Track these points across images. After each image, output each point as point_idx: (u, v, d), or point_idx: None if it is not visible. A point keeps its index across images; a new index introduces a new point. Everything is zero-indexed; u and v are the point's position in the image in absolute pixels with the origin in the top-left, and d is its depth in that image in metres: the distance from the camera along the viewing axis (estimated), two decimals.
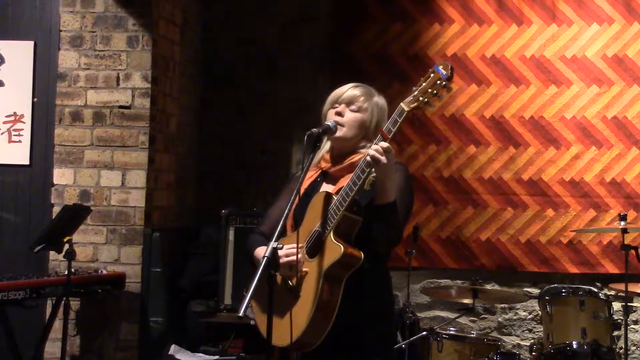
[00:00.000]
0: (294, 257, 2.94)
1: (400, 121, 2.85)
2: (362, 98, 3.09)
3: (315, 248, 2.95)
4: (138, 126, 5.23)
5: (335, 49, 6.01)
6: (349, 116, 3.08)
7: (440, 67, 2.85)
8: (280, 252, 2.85)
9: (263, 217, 3.29)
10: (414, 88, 2.88)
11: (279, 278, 2.97)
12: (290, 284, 2.97)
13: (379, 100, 3.15)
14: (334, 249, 2.88)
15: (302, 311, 2.89)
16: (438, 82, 2.84)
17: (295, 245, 2.95)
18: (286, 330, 2.89)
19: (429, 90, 2.84)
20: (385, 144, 2.84)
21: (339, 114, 3.08)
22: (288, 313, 2.92)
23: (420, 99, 2.85)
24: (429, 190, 5.82)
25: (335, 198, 2.93)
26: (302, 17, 6.08)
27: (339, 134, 3.06)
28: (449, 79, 2.83)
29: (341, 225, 2.92)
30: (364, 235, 2.95)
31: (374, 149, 2.84)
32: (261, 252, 3.06)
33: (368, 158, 2.85)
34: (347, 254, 2.88)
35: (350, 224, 2.94)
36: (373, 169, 2.87)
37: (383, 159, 2.82)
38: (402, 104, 2.87)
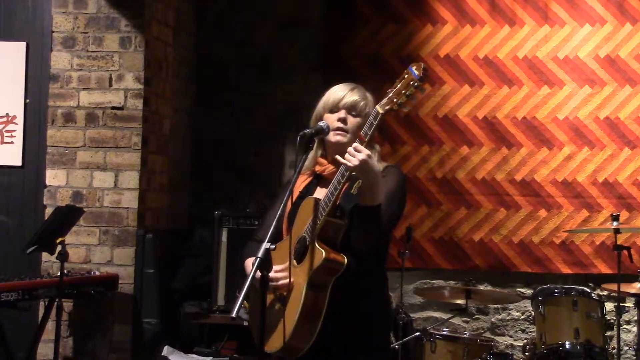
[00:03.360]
0: (285, 281, 2.94)
1: (375, 124, 2.84)
2: (362, 102, 3.08)
3: (302, 254, 2.96)
4: (131, 127, 5.22)
5: (329, 51, 6.01)
6: (352, 122, 3.06)
7: (414, 68, 2.82)
8: (271, 275, 2.86)
9: (260, 224, 3.28)
10: (389, 90, 2.87)
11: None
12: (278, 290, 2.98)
13: (371, 98, 3.14)
14: (317, 254, 2.88)
15: (289, 317, 2.89)
16: (411, 83, 2.81)
17: (284, 266, 2.95)
18: (274, 335, 2.90)
19: (403, 92, 2.82)
20: (356, 145, 2.84)
21: (343, 121, 3.05)
22: (276, 319, 2.92)
23: (395, 100, 2.83)
24: (422, 191, 5.82)
25: (320, 203, 2.93)
26: (296, 18, 6.08)
27: (343, 139, 3.04)
28: (422, 79, 2.80)
29: (325, 230, 2.92)
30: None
31: (348, 150, 2.84)
32: (250, 262, 3.05)
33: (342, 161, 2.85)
34: (329, 259, 2.87)
35: (334, 229, 2.93)
36: (353, 173, 2.86)
37: (354, 160, 2.81)
38: (377, 106, 2.86)
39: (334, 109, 3.08)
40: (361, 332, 3.01)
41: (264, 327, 2.82)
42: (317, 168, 3.14)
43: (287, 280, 2.94)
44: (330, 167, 3.10)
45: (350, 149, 2.84)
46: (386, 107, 2.84)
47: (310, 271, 2.88)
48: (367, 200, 2.87)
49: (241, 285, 2.74)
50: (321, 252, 2.87)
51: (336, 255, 2.90)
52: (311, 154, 3.12)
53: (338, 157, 2.90)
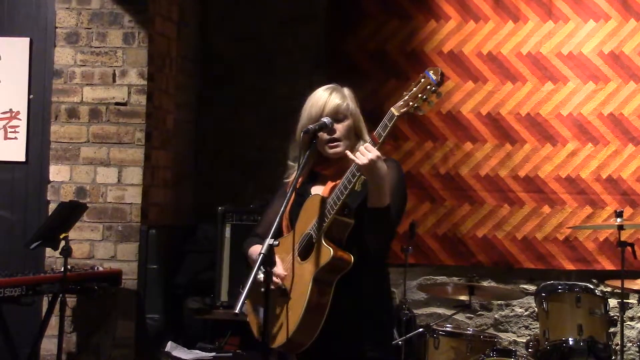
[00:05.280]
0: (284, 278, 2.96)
1: (390, 126, 2.85)
2: (344, 104, 3.07)
3: (307, 251, 2.97)
4: (134, 123, 5.22)
5: (332, 47, 5.98)
6: (341, 128, 3.06)
7: (431, 73, 2.85)
8: (274, 271, 2.86)
9: (259, 221, 3.30)
10: (405, 93, 2.88)
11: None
12: (282, 286, 2.98)
13: (349, 92, 3.13)
14: (324, 252, 2.89)
15: (293, 313, 2.91)
16: (428, 87, 2.84)
17: (283, 269, 2.98)
18: (278, 331, 2.91)
19: (419, 95, 2.84)
20: (368, 145, 2.85)
21: (331, 132, 3.04)
22: (279, 314, 2.93)
23: (411, 103, 2.85)
24: (425, 187, 5.81)
25: (327, 202, 2.93)
26: (300, 14, 6.06)
27: (339, 149, 3.04)
28: (439, 84, 2.83)
29: (332, 228, 2.93)
30: (358, 236, 2.96)
31: (359, 149, 2.86)
32: (255, 249, 3.07)
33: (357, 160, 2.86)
34: (336, 257, 2.89)
35: (341, 227, 2.94)
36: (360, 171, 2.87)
37: (363, 158, 2.82)
38: (392, 108, 2.87)
39: (319, 119, 3.05)
40: (363, 328, 3.01)
41: (268, 323, 2.81)
42: (315, 167, 3.15)
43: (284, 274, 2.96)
44: (324, 166, 3.12)
45: (361, 148, 2.86)
46: (402, 110, 2.86)
47: (317, 268, 2.89)
48: (376, 201, 2.89)
49: (244, 280, 2.75)
50: (329, 250, 2.88)
51: (343, 254, 2.91)
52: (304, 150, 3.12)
53: (348, 153, 2.90)
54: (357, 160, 2.84)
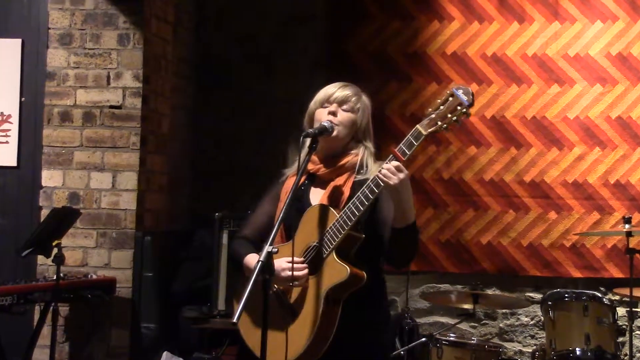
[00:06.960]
0: (289, 272, 2.89)
1: (416, 145, 2.83)
2: (354, 98, 3.08)
3: (315, 265, 2.91)
4: (129, 126, 5.19)
5: (333, 48, 5.96)
6: (343, 116, 3.06)
7: (461, 92, 2.79)
8: (276, 266, 2.81)
9: (245, 223, 3.27)
10: (431, 110, 2.84)
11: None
12: (286, 300, 2.93)
13: (366, 99, 3.14)
14: (339, 269, 2.85)
15: (301, 331, 2.85)
16: (459, 107, 2.79)
17: (290, 257, 2.91)
18: (281, 349, 2.84)
19: (449, 115, 2.80)
20: (396, 163, 2.81)
21: (333, 113, 3.05)
22: (284, 331, 2.87)
23: (439, 123, 2.82)
24: (428, 192, 5.77)
25: (338, 215, 2.88)
26: (299, 15, 6.05)
27: (334, 133, 3.03)
28: (470, 105, 2.78)
29: (343, 243, 2.89)
30: (362, 249, 2.93)
31: (386, 167, 2.81)
32: (252, 259, 3.03)
33: (378, 178, 2.81)
34: (352, 274, 2.85)
35: (351, 241, 2.91)
36: (383, 190, 2.83)
37: (394, 178, 2.78)
38: (419, 126, 2.83)
39: (325, 103, 3.09)
40: (362, 338, 2.99)
41: (266, 335, 2.72)
42: (310, 167, 3.11)
43: (305, 271, 2.90)
44: (323, 168, 3.10)
45: (389, 166, 2.81)
46: (429, 129, 2.83)
47: (329, 285, 2.85)
48: (403, 220, 2.86)
49: (241, 289, 2.70)
50: (345, 269, 2.84)
51: (357, 271, 2.88)
52: (303, 153, 3.06)
53: (378, 174, 2.83)
54: (389, 182, 2.79)
